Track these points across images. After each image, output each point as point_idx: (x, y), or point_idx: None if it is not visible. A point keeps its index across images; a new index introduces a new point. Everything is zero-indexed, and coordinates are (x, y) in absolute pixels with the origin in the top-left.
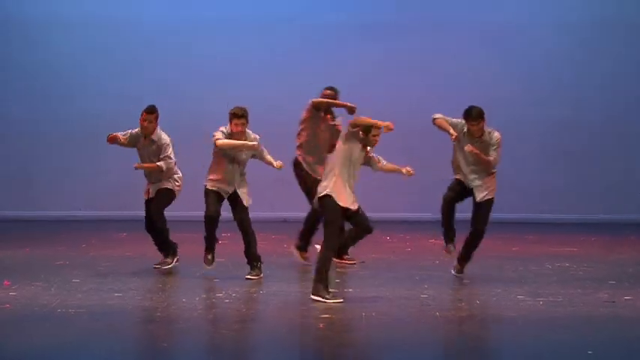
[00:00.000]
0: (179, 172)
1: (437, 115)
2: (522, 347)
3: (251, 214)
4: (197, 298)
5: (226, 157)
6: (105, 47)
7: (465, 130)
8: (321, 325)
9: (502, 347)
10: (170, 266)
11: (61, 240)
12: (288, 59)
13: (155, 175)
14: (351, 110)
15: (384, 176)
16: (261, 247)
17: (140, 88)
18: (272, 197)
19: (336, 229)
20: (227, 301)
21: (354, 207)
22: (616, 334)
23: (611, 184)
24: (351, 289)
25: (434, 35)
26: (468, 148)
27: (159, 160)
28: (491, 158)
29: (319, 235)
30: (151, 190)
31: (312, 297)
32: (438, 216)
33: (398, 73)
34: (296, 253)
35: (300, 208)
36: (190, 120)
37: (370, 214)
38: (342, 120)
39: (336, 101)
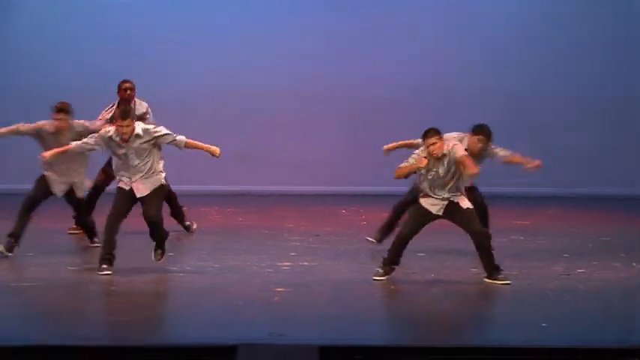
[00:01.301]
0: None
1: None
2: (476, 319)
3: (211, 188)
4: (151, 272)
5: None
6: None
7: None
8: (276, 299)
9: (455, 319)
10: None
11: (10, 214)
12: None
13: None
14: None
15: (341, 149)
16: (219, 220)
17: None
18: (231, 172)
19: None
20: (181, 274)
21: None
22: (571, 307)
23: (564, 157)
24: (305, 262)
25: (393, 10)
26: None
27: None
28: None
29: None
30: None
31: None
32: (394, 188)
33: (357, 45)
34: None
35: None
36: None
37: (326, 188)
38: None
39: None
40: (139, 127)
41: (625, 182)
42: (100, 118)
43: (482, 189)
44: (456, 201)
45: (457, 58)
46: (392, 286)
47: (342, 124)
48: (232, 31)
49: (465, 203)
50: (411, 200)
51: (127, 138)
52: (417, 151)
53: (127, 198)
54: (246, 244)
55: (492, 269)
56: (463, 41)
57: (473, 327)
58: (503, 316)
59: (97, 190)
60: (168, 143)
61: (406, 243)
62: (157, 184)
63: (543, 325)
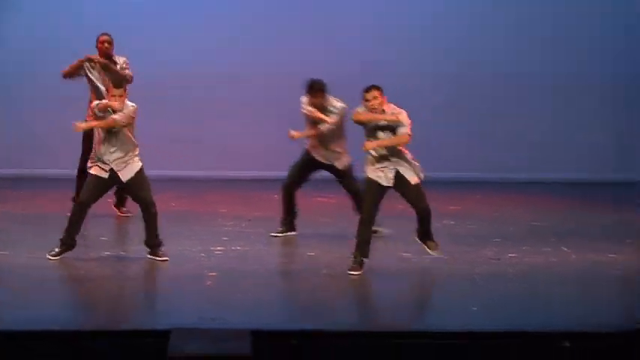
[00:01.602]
0: None
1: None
2: (406, 303)
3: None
4: (84, 258)
5: None
6: None
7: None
8: (208, 283)
9: (388, 303)
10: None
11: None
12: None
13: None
14: None
15: (277, 135)
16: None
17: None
18: (165, 156)
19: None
20: (115, 260)
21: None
22: (501, 291)
23: (496, 143)
24: (238, 247)
25: None
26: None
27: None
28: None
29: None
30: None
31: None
32: (328, 174)
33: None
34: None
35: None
36: None
37: (259, 173)
38: None
39: None
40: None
41: (555, 168)
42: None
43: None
44: (402, 174)
45: (394, 44)
46: (324, 271)
47: (279, 109)
48: (168, 16)
49: (414, 178)
50: (293, 183)
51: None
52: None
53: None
54: (179, 229)
55: (427, 236)
56: (403, 28)
57: (405, 311)
58: (434, 301)
59: None
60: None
61: (371, 224)
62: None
63: (474, 309)
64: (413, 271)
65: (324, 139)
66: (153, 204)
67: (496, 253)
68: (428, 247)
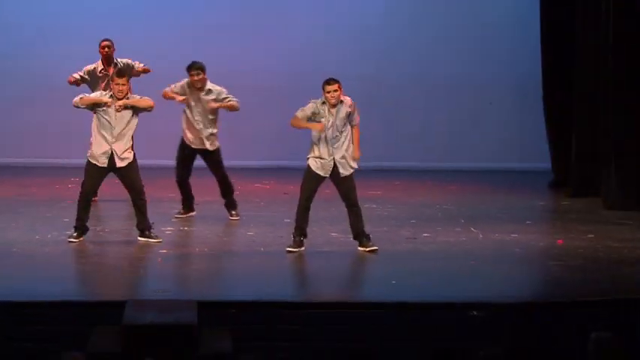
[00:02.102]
0: None
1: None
2: (336, 277)
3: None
4: (49, 235)
5: None
6: None
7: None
8: (159, 260)
9: (318, 277)
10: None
11: None
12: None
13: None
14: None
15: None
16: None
17: None
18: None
19: None
20: (73, 239)
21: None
22: (417, 267)
23: (410, 134)
24: (186, 228)
25: None
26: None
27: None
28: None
29: None
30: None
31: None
32: (263, 162)
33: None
34: None
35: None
36: None
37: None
38: None
39: None
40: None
41: (467, 157)
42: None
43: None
44: (342, 170)
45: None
46: (262, 249)
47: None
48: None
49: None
50: (182, 176)
51: (122, 96)
52: (314, 100)
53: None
54: (131, 211)
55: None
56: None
57: (333, 284)
58: (359, 275)
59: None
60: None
61: (307, 209)
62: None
63: (393, 282)
64: (340, 249)
65: (205, 121)
66: (144, 192)
67: (413, 233)
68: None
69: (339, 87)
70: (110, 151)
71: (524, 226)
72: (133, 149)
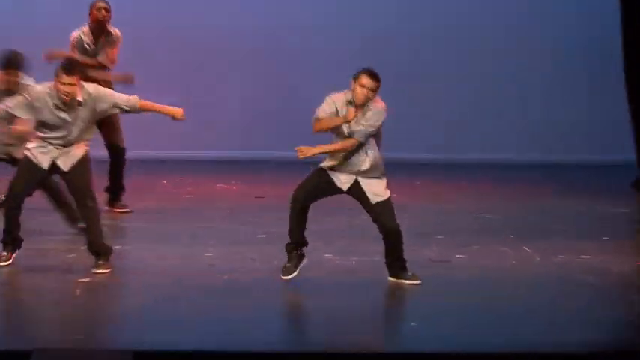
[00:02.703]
0: None
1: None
2: (331, 316)
3: None
4: None
5: None
6: None
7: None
8: (78, 292)
9: (306, 317)
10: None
11: None
12: None
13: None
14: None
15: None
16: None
17: None
18: None
19: None
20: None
21: None
22: (446, 302)
23: (434, 115)
24: (116, 246)
25: None
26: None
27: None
28: None
29: None
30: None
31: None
32: (225, 153)
33: None
34: None
35: None
36: None
37: (145, 152)
38: None
39: None
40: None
41: (511, 146)
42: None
43: None
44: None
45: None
46: (225, 276)
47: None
48: None
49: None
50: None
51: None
52: (333, 95)
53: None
54: (41, 224)
55: (399, 268)
56: None
57: (329, 328)
58: (364, 314)
59: None
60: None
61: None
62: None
63: (412, 324)
64: (338, 277)
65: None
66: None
67: (440, 254)
68: (408, 280)
69: (378, 87)
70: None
71: (600, 244)
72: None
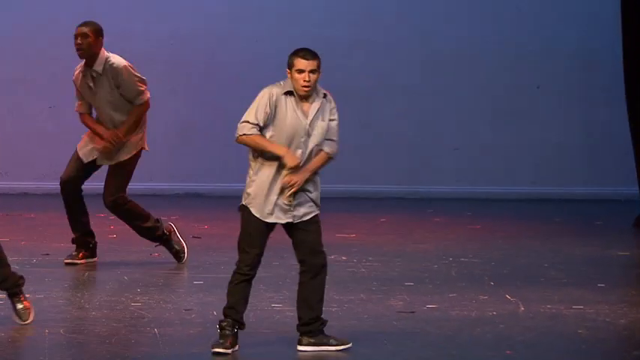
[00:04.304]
0: None
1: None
2: None
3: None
4: None
5: None
6: None
7: None
8: None
9: None
10: None
11: None
12: None
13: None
14: None
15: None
16: None
17: None
18: None
19: None
20: None
21: None
22: (414, 359)
23: (403, 142)
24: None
25: None
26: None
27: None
28: None
29: None
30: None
31: None
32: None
33: None
34: None
35: None
36: None
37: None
38: None
39: None
40: None
41: (502, 177)
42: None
43: None
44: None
45: None
46: (156, 329)
47: None
48: None
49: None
50: None
51: None
52: (268, 89)
53: None
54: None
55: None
56: None
57: None
58: None
59: None
60: None
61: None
62: None
63: None
64: (289, 330)
65: None
66: None
67: (409, 304)
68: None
69: (318, 65)
70: None
71: (595, 292)
72: None
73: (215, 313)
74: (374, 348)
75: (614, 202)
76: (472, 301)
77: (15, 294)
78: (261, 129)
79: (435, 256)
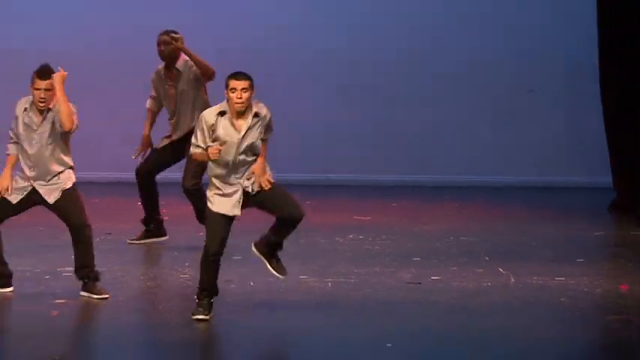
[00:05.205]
0: None
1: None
2: (307, 338)
3: None
4: None
5: None
6: None
7: None
8: (55, 313)
9: (283, 338)
10: None
11: None
12: None
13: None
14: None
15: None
16: None
17: None
18: None
19: None
20: None
21: None
22: (421, 323)
23: (410, 136)
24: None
25: None
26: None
27: None
28: None
29: None
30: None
31: None
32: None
33: None
34: None
35: None
36: None
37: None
38: None
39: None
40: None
41: (496, 167)
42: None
43: (315, 177)
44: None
45: None
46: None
47: None
48: None
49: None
50: None
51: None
52: (204, 114)
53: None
54: (19, 245)
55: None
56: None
57: (304, 348)
58: (339, 335)
59: None
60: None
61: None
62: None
63: (388, 345)
64: (314, 298)
65: None
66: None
67: (416, 276)
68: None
69: (250, 85)
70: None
71: (575, 266)
72: None
73: (252, 283)
74: (386, 314)
75: (591, 190)
76: (470, 274)
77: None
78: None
79: (439, 235)
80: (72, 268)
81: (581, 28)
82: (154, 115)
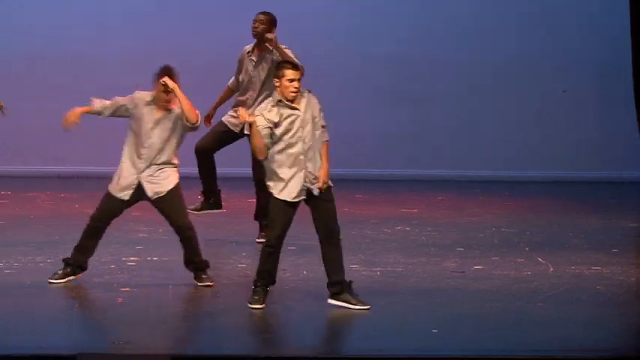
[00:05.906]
0: None
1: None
2: (358, 324)
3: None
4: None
5: None
6: None
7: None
8: (119, 300)
9: (336, 324)
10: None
11: None
12: None
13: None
14: None
15: None
16: (50, 206)
17: None
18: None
19: None
20: (8, 271)
21: None
22: (465, 310)
23: (455, 134)
24: (155, 258)
25: None
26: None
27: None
28: None
29: None
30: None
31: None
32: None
33: None
34: None
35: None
36: None
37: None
38: None
39: None
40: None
41: (530, 164)
42: None
43: (364, 172)
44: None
45: None
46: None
47: None
48: None
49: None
50: None
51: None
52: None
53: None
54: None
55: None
56: None
57: (356, 333)
58: (388, 321)
59: None
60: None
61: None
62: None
63: (434, 331)
64: (364, 287)
65: None
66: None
67: (460, 265)
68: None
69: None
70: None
71: (610, 256)
72: None
73: (305, 272)
74: (431, 301)
75: (625, 184)
76: (511, 263)
77: None
78: None
79: (482, 227)
80: (135, 259)
81: (616, 30)
82: (228, 92)
